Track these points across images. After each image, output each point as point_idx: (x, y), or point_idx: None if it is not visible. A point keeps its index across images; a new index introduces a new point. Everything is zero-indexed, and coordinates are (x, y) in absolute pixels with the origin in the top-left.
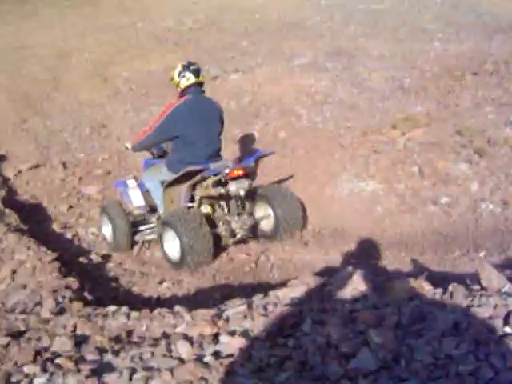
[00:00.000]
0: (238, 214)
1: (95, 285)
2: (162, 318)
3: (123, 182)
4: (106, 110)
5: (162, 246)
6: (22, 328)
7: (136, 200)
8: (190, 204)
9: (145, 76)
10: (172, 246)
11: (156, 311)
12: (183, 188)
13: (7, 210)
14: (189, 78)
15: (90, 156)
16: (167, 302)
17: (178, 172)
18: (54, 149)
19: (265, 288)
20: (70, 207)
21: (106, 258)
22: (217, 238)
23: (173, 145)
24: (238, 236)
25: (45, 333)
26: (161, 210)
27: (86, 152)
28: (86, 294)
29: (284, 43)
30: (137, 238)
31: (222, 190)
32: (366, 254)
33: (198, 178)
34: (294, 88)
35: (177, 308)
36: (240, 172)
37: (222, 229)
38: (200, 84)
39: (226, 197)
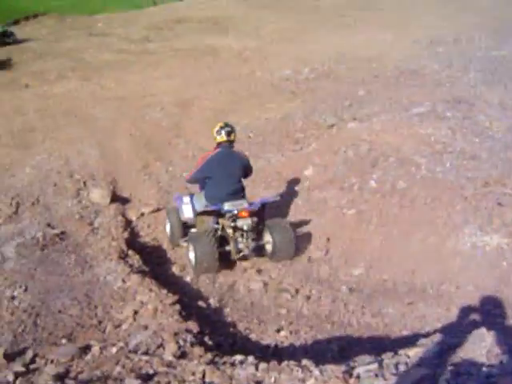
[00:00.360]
0: (246, 239)
1: (214, 329)
2: (290, 371)
3: (180, 198)
4: None
5: (188, 253)
6: (150, 371)
7: (186, 213)
8: (217, 226)
9: (262, 124)
10: (192, 255)
11: (284, 363)
12: (210, 218)
13: (130, 252)
14: (222, 137)
15: None
16: (285, 351)
17: (209, 202)
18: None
19: (384, 343)
20: None
21: (223, 303)
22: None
23: (207, 182)
24: (242, 253)
25: (174, 378)
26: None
27: None
28: (206, 338)
29: (401, 92)
30: (183, 240)
31: (233, 224)
32: (490, 313)
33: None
34: (413, 137)
35: (304, 361)
36: (245, 214)
37: (231, 247)
38: (230, 141)
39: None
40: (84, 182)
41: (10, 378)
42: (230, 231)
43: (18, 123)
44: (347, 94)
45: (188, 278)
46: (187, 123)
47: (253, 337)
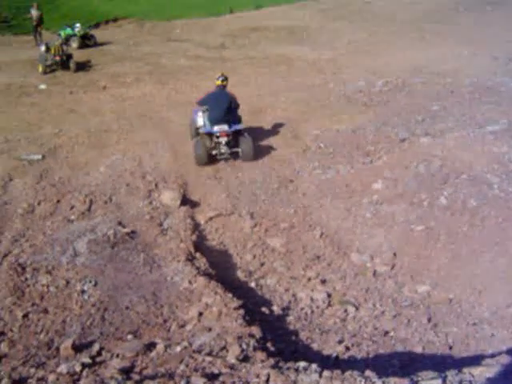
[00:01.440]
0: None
1: (276, 336)
2: (353, 381)
3: (196, 111)
4: (294, 166)
5: (193, 149)
6: (214, 371)
7: (199, 122)
8: (210, 140)
9: (333, 135)
10: (194, 152)
11: (347, 373)
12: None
13: (197, 254)
14: (218, 81)
15: (276, 209)
16: (346, 363)
17: (208, 122)
18: (243, 199)
19: (447, 362)
20: (254, 257)
21: (286, 311)
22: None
23: (207, 109)
24: (223, 156)
25: (238, 379)
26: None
27: (273, 205)
28: (268, 344)
29: (476, 108)
30: (195, 139)
31: (216, 140)
32: None
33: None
34: (486, 155)
35: (367, 373)
36: (223, 134)
37: (217, 151)
38: (223, 86)
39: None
40: (156, 184)
41: (78, 368)
42: (215, 143)
43: (94, 123)
44: (421, 109)
45: (253, 284)
46: (259, 131)
47: (314, 346)
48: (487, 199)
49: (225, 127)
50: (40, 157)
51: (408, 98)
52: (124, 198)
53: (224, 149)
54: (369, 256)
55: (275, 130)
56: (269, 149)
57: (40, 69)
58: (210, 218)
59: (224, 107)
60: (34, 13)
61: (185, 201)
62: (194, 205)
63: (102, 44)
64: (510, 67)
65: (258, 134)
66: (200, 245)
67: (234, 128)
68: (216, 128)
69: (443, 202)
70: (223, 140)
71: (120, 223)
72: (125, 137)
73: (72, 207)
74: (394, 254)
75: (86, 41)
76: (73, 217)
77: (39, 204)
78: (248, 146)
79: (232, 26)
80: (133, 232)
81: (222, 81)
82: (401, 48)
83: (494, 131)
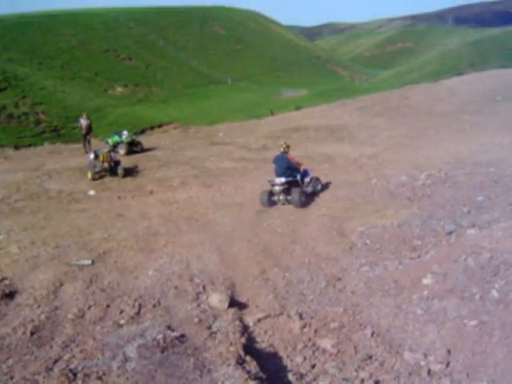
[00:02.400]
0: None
1: None
2: None
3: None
4: (341, 264)
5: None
6: None
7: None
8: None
9: (379, 231)
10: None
11: None
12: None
13: (247, 358)
14: (280, 149)
15: (325, 308)
16: None
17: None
18: (291, 300)
19: None
20: (305, 359)
21: None
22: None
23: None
24: (280, 201)
25: None
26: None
27: (321, 304)
28: None
29: None
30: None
31: (273, 188)
32: None
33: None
34: None
35: None
36: (278, 183)
37: (276, 197)
38: (284, 152)
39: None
40: (203, 286)
41: None
42: (273, 191)
43: (142, 227)
44: (465, 200)
45: None
46: (303, 230)
47: None
48: None
49: (281, 179)
50: (90, 262)
51: (452, 189)
52: (172, 301)
53: (279, 196)
54: (422, 354)
55: (320, 227)
56: (315, 247)
57: (89, 175)
58: (259, 320)
59: (283, 166)
60: (84, 122)
61: (233, 303)
62: (242, 306)
63: (148, 150)
64: None
65: (303, 232)
66: (249, 347)
67: (286, 180)
68: (274, 179)
69: (495, 294)
70: (277, 188)
71: (169, 327)
72: (172, 240)
73: (121, 311)
74: (448, 351)
75: (133, 147)
76: (122, 321)
77: (89, 309)
78: (297, 194)
79: (273, 127)
80: (182, 336)
81: (282, 149)
82: (441, 140)
83: None
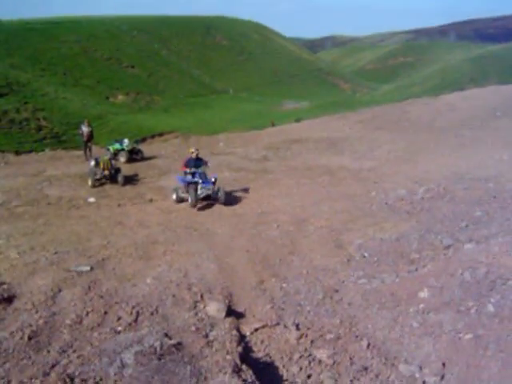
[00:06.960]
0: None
1: None
2: None
3: (180, 178)
4: (338, 276)
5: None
6: None
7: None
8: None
9: (377, 244)
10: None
11: None
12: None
13: (244, 366)
14: (191, 153)
15: (322, 320)
16: None
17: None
18: (288, 310)
19: None
20: (301, 369)
21: None
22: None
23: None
24: (201, 196)
25: None
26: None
27: (318, 315)
28: None
29: None
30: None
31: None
32: None
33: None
34: None
35: None
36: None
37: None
38: (196, 155)
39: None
40: (201, 295)
41: None
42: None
43: (141, 235)
44: (464, 215)
45: None
46: (302, 241)
47: None
48: None
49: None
50: (88, 268)
51: (450, 204)
52: (170, 309)
53: (200, 192)
54: (417, 366)
55: (319, 239)
56: (313, 258)
57: (89, 182)
58: (256, 330)
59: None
60: (85, 129)
61: (230, 312)
62: (239, 316)
63: (148, 158)
64: None
65: (301, 243)
66: (246, 357)
67: (212, 178)
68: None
69: (491, 309)
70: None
71: (166, 335)
72: (171, 248)
73: (119, 318)
74: (443, 364)
75: (134, 155)
76: (120, 328)
77: (87, 315)
78: (221, 191)
79: (274, 138)
80: (179, 343)
81: (194, 153)
82: (440, 155)
83: None
